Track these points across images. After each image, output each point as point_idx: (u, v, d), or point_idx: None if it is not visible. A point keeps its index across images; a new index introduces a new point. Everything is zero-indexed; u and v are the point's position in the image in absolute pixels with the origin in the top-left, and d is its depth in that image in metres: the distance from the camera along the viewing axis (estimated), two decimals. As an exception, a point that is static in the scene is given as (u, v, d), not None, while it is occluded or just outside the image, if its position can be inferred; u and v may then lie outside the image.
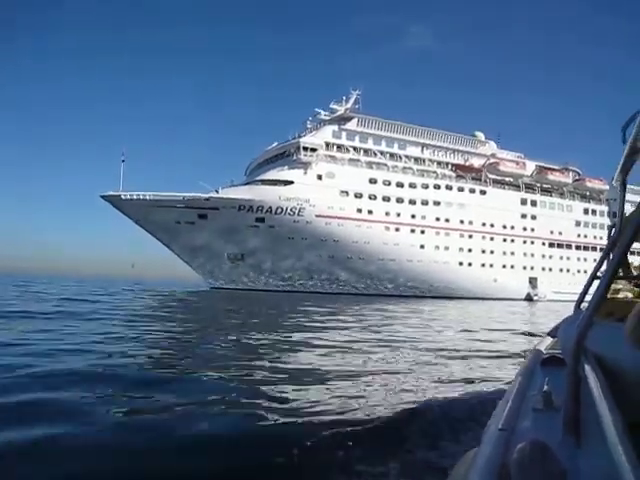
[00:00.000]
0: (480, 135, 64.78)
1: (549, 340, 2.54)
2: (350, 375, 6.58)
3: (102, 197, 49.91)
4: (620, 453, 0.99)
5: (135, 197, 48.82)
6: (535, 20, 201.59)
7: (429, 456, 3.40)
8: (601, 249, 64.12)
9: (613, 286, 2.93)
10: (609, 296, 2.74)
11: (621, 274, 2.81)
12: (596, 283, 1.80)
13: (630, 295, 4.12)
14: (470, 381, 6.42)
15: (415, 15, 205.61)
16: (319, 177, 51.50)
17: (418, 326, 15.85)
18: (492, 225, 59.29)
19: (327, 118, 56.44)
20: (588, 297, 2.03)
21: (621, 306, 2.64)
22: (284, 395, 5.28)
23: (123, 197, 48.86)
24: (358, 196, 52.84)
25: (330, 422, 4.15)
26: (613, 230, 2.97)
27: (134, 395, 5.08)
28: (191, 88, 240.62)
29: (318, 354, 8.50)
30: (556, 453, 1.01)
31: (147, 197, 48.77)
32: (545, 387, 1.41)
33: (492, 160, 61.78)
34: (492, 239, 59.26)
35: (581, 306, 2.83)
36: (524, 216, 61.88)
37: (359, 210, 52.40)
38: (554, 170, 66.06)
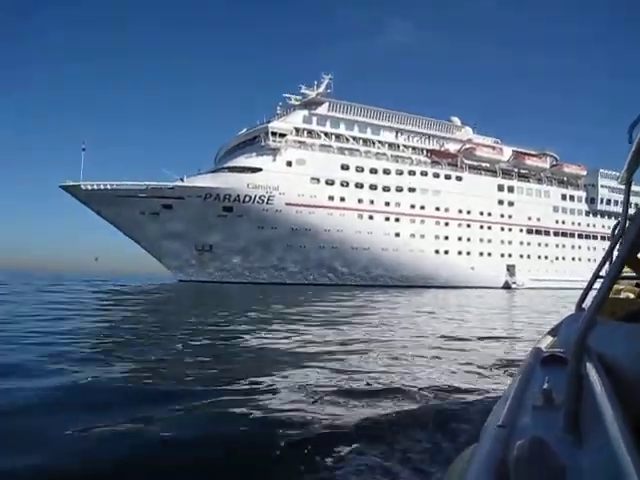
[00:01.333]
0: (456, 120, 63.26)
1: (549, 339, 2.48)
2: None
3: (61, 187, 47.49)
4: (621, 451, 0.98)
5: (96, 187, 46.47)
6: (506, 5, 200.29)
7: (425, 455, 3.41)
8: (579, 235, 62.36)
9: (615, 286, 3.39)
10: (610, 296, 2.77)
11: (625, 274, 2.82)
12: (598, 282, 1.62)
13: (632, 295, 4.06)
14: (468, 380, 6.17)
15: (395, 9, 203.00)
16: (289, 164, 49.51)
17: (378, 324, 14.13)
18: (469, 212, 57.89)
19: (297, 103, 54.39)
20: (590, 297, 1.82)
21: (623, 305, 2.85)
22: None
23: (83, 187, 46.49)
24: (330, 183, 50.99)
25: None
26: (617, 229, 3.02)
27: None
28: (157, 69, 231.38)
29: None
30: (555, 450, 1.03)
31: (108, 187, 46.44)
32: (545, 385, 1.40)
33: (468, 145, 60.29)
34: (469, 226, 57.88)
35: (583, 305, 2.70)
36: (501, 202, 60.60)
37: (331, 198, 50.59)
38: (531, 155, 64.81)
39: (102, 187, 46.38)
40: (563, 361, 1.64)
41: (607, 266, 2.27)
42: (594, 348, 1.56)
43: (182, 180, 47.19)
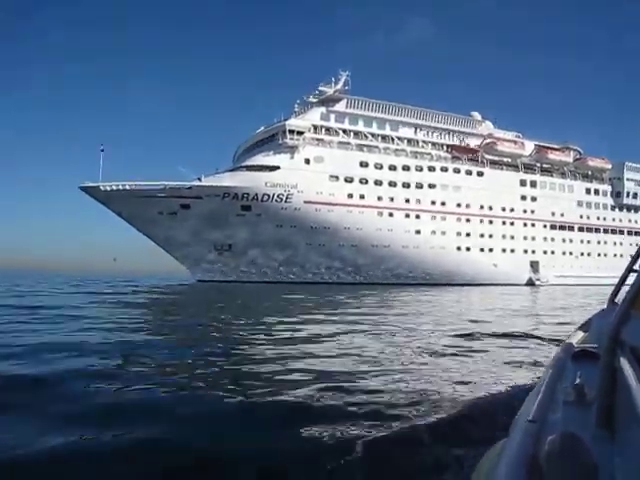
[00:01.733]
0: (476, 115, 62.18)
1: (580, 334, 2.40)
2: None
3: (81, 188, 47.58)
4: None
5: (115, 188, 46.47)
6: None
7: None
8: (605, 230, 61.01)
9: None
10: None
11: None
12: (632, 277, 1.70)
13: None
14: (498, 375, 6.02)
15: (412, 7, 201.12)
16: (307, 161, 49.01)
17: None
18: (490, 208, 56.83)
19: (315, 100, 53.87)
20: (623, 292, 1.78)
21: None
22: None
23: (102, 188, 46.51)
24: (349, 180, 50.38)
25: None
26: None
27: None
28: (173, 71, 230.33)
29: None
30: (588, 446, 1.01)
31: (127, 187, 46.42)
32: (577, 380, 1.39)
33: (489, 140, 59.18)
34: (491, 222, 56.84)
35: (616, 299, 2.65)
36: (524, 198, 59.40)
37: (350, 195, 49.96)
38: (554, 149, 63.47)
39: (120, 188, 46.38)
40: (595, 356, 1.60)
41: None
42: (628, 342, 1.50)
43: (200, 180, 46.94)
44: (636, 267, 2.27)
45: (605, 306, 2.88)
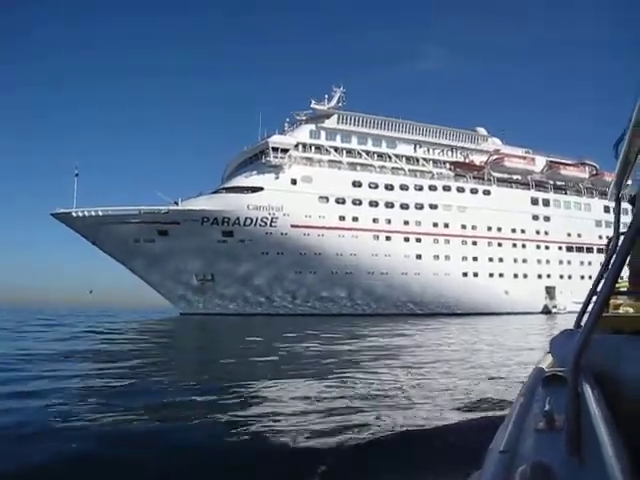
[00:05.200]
0: (481, 130, 57.91)
1: (550, 358, 2.40)
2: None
3: (53, 215, 44.20)
4: (618, 475, 1.00)
5: (87, 214, 43.01)
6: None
7: None
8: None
9: (613, 301, 3.56)
10: (611, 312, 3.21)
11: (621, 289, 2.90)
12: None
13: (631, 310, 3.74)
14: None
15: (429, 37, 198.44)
16: (293, 182, 45.07)
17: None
18: (499, 229, 52.06)
19: (304, 118, 50.13)
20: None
21: (622, 321, 2.83)
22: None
23: (74, 214, 43.13)
24: (340, 202, 46.24)
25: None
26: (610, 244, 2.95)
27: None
28: (158, 87, 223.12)
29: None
30: (558, 475, 1.03)
31: (99, 213, 42.90)
32: (547, 407, 1.38)
33: (496, 156, 54.74)
34: (500, 245, 52.04)
35: (581, 322, 2.68)
36: (536, 217, 54.56)
37: (342, 218, 45.76)
38: (568, 165, 58.72)
39: (93, 214, 42.91)
40: (564, 381, 1.52)
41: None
42: (592, 366, 1.51)
43: (177, 203, 43.19)
44: (598, 289, 2.20)
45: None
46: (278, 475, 3.92)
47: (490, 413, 5.44)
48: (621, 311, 3.92)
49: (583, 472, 1.05)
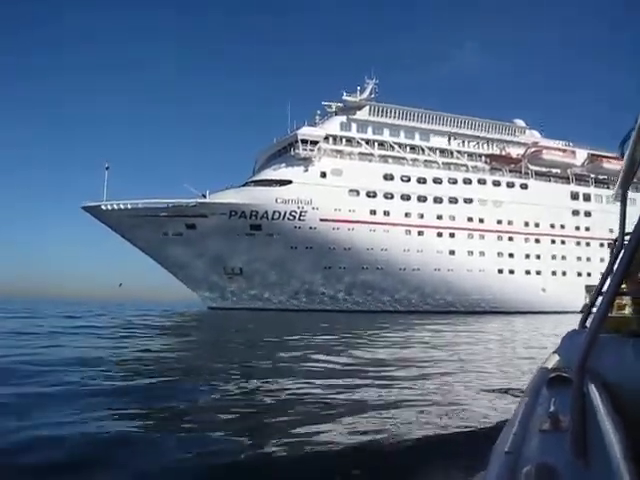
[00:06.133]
0: (519, 122, 55.78)
1: (556, 358, 2.39)
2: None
3: (83, 208, 44.22)
4: (626, 478, 1.00)
5: (116, 207, 42.81)
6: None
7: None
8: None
9: (618, 302, 3.45)
10: (615, 313, 3.19)
11: (626, 290, 2.81)
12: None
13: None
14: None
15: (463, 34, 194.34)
16: (323, 174, 44.03)
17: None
18: (537, 225, 50.00)
19: (333, 110, 48.91)
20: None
21: (627, 322, 2.76)
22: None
23: (103, 207, 42.99)
24: (371, 195, 45.00)
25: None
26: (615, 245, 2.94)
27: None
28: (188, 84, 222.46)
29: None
30: (563, 476, 1.03)
31: (128, 206, 42.64)
32: (552, 408, 1.39)
33: (534, 149, 52.53)
34: (538, 241, 50.01)
35: (586, 323, 2.66)
36: (576, 213, 52.29)
37: (373, 212, 44.53)
38: (611, 158, 56.03)
39: (122, 207, 42.70)
40: (569, 382, 1.53)
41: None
42: (598, 367, 1.53)
43: (204, 196, 42.63)
44: (604, 290, 2.06)
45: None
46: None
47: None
48: (626, 312, 3.77)
49: (588, 474, 1.03)
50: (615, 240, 3.04)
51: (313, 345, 13.65)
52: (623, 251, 1.65)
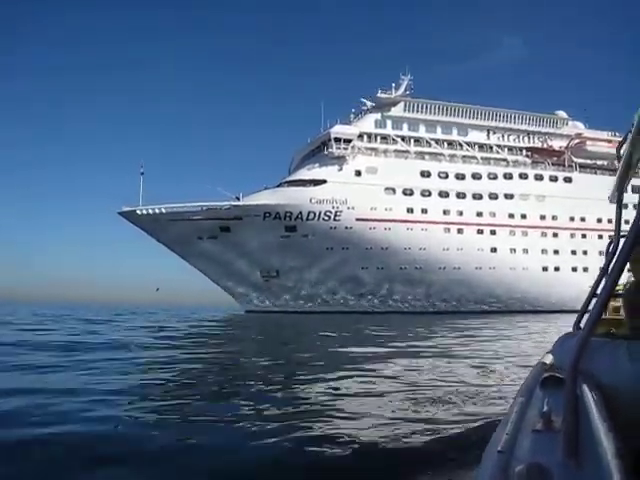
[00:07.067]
0: (561, 113, 53.61)
1: (550, 358, 2.38)
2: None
3: (119, 214, 44.55)
4: (617, 477, 1.02)
5: (150, 212, 42.90)
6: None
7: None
8: None
9: (613, 304, 3.80)
10: (610, 315, 3.47)
11: (621, 292, 2.94)
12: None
13: None
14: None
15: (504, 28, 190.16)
16: (357, 173, 43.13)
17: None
18: (583, 219, 47.89)
19: (367, 107, 47.93)
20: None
21: (622, 324, 2.83)
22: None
23: (138, 212, 43.14)
24: (408, 193, 43.85)
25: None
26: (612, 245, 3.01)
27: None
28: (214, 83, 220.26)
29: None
30: (555, 476, 1.04)
31: (162, 210, 42.68)
32: (545, 408, 1.40)
33: (577, 140, 50.41)
34: (584, 237, 47.88)
35: (580, 324, 2.74)
36: (625, 206, 49.67)
37: (410, 210, 43.39)
38: (661, 147, 53.35)
39: (157, 211, 42.76)
40: (562, 382, 1.55)
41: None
42: (591, 368, 1.55)
43: (238, 199, 42.27)
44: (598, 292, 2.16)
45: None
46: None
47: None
48: (621, 314, 3.77)
49: (580, 474, 1.05)
50: (611, 241, 3.06)
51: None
52: (618, 253, 1.61)
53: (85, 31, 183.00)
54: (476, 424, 4.63)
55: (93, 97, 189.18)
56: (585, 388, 1.45)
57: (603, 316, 3.76)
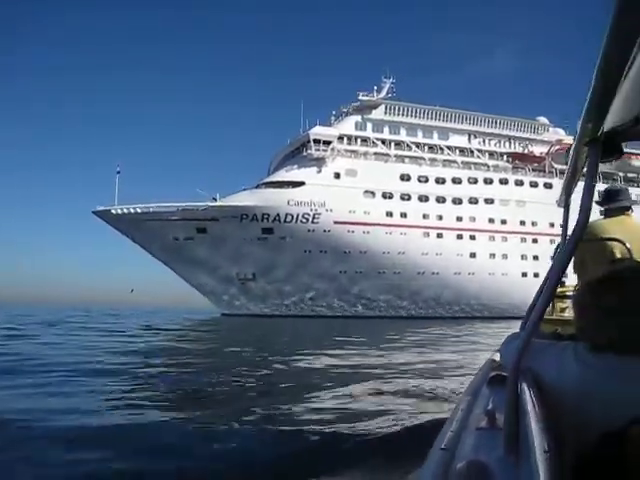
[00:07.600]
0: (542, 119, 53.57)
1: (497, 357, 2.42)
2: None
3: (94, 213, 43.68)
4: (549, 475, 1.03)
5: (126, 211, 42.04)
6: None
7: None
8: None
9: (560, 304, 4.05)
10: (556, 315, 3.68)
11: (567, 293, 3.19)
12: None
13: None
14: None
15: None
16: (337, 175, 42.61)
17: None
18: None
19: (349, 109, 47.49)
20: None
21: (565, 324, 3.06)
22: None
23: (113, 212, 42.28)
24: (387, 197, 43.41)
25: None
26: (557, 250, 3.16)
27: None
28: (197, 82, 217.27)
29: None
30: (493, 473, 1.06)
31: (138, 210, 41.81)
32: (489, 406, 1.44)
33: (558, 146, 50.33)
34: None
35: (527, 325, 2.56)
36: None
37: (389, 214, 42.94)
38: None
39: (132, 211, 41.90)
40: (506, 380, 1.58)
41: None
42: (534, 367, 1.58)
43: (215, 199, 41.53)
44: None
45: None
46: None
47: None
48: (566, 314, 4.07)
49: (517, 471, 1.07)
50: (558, 246, 3.15)
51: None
52: (559, 255, 1.65)
53: (85, 31, 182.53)
54: (423, 421, 4.66)
55: (93, 97, 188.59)
56: (525, 386, 1.41)
57: (550, 316, 3.79)
